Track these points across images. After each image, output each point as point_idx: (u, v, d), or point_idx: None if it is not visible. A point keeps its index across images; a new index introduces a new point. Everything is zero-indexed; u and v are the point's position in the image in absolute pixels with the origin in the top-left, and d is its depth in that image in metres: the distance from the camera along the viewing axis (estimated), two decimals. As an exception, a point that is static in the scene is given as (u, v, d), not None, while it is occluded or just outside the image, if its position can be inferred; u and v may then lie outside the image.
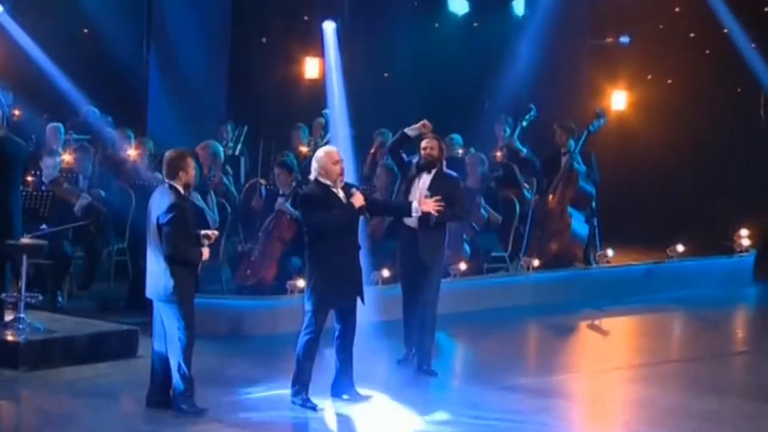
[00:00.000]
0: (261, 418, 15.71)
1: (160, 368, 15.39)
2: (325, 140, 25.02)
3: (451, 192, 17.35)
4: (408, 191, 17.65)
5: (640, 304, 22.17)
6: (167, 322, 15.26)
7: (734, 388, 18.40)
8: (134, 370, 17.51)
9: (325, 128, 25.78)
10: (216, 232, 16.49)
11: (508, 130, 23.66)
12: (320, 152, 16.06)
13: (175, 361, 15.29)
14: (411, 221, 17.24)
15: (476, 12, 28.00)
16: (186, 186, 15.23)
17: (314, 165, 15.90)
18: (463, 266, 20.90)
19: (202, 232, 15.87)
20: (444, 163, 17.92)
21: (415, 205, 16.72)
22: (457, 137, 23.74)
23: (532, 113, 23.60)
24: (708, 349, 20.51)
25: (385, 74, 28.92)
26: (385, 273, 19.66)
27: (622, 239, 24.26)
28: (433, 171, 17.42)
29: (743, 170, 25.54)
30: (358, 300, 16.02)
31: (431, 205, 16.47)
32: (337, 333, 15.67)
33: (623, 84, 25.68)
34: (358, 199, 15.56)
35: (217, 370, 17.39)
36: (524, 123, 23.60)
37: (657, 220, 25.35)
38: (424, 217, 17.16)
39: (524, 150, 23.76)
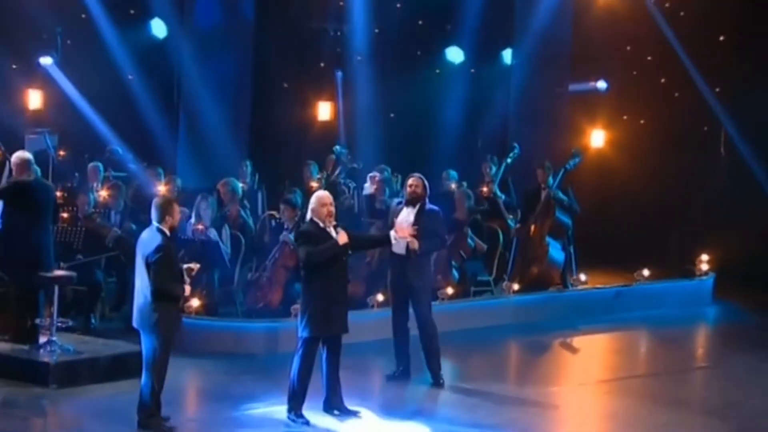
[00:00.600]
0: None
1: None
2: (336, 173, 25.25)
3: (433, 224, 17.65)
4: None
5: (610, 323, 22.24)
6: (145, 347, 15.60)
7: (690, 401, 18.68)
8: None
9: (337, 163, 25.66)
10: (197, 265, 16.35)
11: (494, 168, 23.70)
12: (314, 197, 16.25)
13: (147, 380, 15.65)
14: (399, 249, 17.35)
15: (471, 61, 28.30)
16: (171, 228, 15.67)
17: (309, 206, 16.17)
18: (450, 290, 21.00)
19: (185, 266, 16.05)
20: (427, 199, 17.97)
21: (392, 233, 16.80)
22: (453, 173, 24.00)
23: (515, 151, 23.56)
24: (671, 365, 20.68)
25: (391, 114, 28.74)
26: (380, 297, 19.58)
27: (596, 264, 24.32)
28: (418, 206, 17.59)
29: (706, 202, 25.45)
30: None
31: (406, 231, 16.75)
32: (325, 355, 15.80)
33: (601, 124, 25.78)
34: (342, 237, 15.81)
35: (223, 387, 17.72)
36: (509, 160, 23.49)
37: (628, 246, 25.17)
38: (420, 239, 17.37)
39: (503, 197, 23.63)
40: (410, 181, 18.00)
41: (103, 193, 22.81)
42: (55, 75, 27.07)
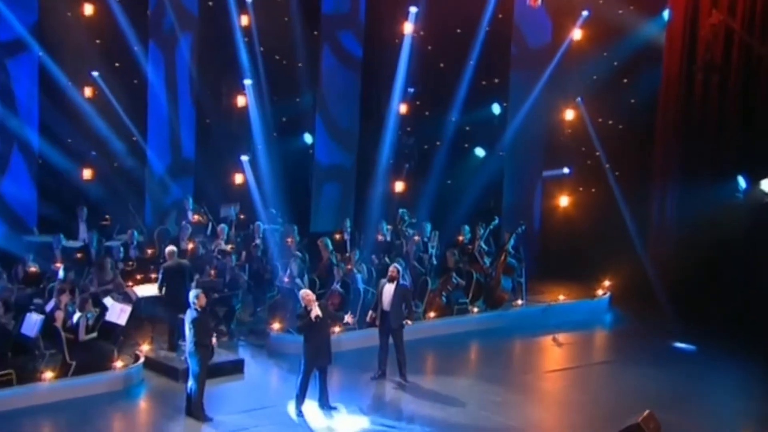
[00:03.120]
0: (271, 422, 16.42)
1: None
2: (400, 227, 23.63)
3: (404, 295, 18.01)
4: (381, 293, 18.06)
5: (540, 330, 21.50)
6: (191, 366, 16.09)
7: (594, 388, 18.38)
8: (234, 384, 18.09)
9: (402, 220, 23.80)
10: (215, 340, 16.71)
11: (482, 230, 22.64)
12: (302, 293, 16.73)
13: (193, 387, 16.10)
14: (386, 305, 17.83)
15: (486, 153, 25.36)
16: (201, 306, 16.03)
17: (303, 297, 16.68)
18: (432, 314, 21.00)
19: (213, 339, 16.58)
20: (400, 278, 18.19)
21: (370, 313, 17.88)
22: (467, 228, 23.08)
23: (495, 222, 23.08)
24: (583, 359, 20.37)
25: (448, 181, 25.52)
26: (371, 315, 18.56)
27: (560, 278, 23.42)
28: (395, 283, 17.90)
29: (623, 245, 23.06)
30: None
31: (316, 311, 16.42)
32: (317, 375, 16.33)
33: (566, 192, 24.84)
34: (315, 312, 16.07)
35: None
36: (491, 227, 22.85)
37: (579, 266, 23.55)
38: (395, 302, 17.74)
39: (486, 248, 22.62)
40: (391, 268, 18.27)
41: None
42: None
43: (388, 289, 18.04)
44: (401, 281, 18.25)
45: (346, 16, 25.48)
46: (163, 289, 19.10)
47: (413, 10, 24.15)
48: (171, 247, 19.91)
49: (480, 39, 24.15)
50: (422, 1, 24.27)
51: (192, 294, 16.46)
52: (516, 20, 24.28)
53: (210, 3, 24.26)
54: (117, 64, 23.60)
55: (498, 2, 22.50)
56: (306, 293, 16.73)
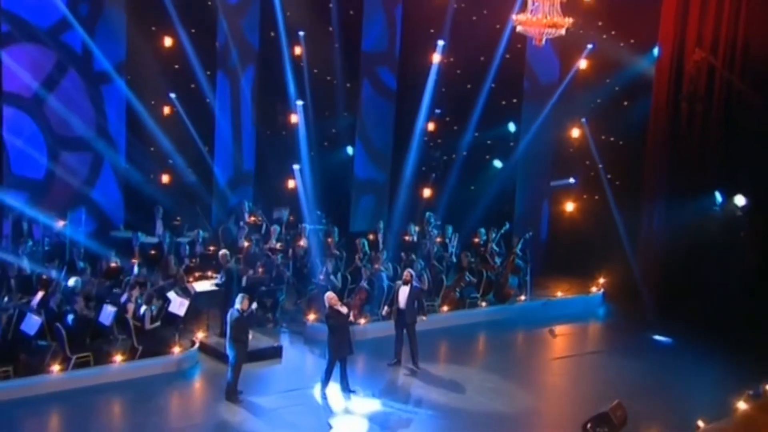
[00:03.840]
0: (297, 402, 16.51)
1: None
2: (425, 229, 23.48)
3: (417, 296, 18.26)
4: (397, 294, 18.32)
5: (539, 323, 21.35)
6: (229, 356, 16.33)
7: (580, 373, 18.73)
8: (273, 367, 18.28)
9: (427, 223, 23.60)
10: (251, 336, 16.93)
11: (494, 234, 22.67)
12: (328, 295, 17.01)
13: (230, 374, 16.35)
14: (401, 304, 18.07)
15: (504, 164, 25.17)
16: (243, 308, 16.21)
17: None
18: (446, 307, 21.04)
19: (250, 335, 16.81)
20: (414, 281, 18.32)
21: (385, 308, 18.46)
22: (482, 230, 22.98)
23: (506, 227, 22.99)
24: (574, 349, 20.36)
25: (471, 187, 25.45)
26: (386, 310, 19.08)
27: (545, 283, 23.11)
28: (409, 285, 18.13)
29: (616, 248, 22.91)
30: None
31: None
32: (339, 364, 16.63)
33: (571, 199, 24.50)
34: (344, 309, 16.58)
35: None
36: (502, 231, 22.82)
37: (580, 264, 23.37)
38: (409, 301, 17.94)
39: (497, 262, 22.26)
40: (405, 273, 18.46)
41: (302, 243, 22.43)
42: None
43: (404, 291, 18.20)
44: (415, 283, 18.36)
45: (384, 54, 25.47)
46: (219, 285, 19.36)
47: (441, 42, 24.16)
48: (224, 251, 20.20)
49: (497, 65, 23.97)
50: (450, 34, 24.24)
51: (237, 298, 16.67)
52: (528, 57, 24.03)
53: (271, 34, 24.30)
54: (192, 86, 23.73)
55: (513, 34, 21.21)
56: (330, 296, 16.88)
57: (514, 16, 16.09)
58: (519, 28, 16.08)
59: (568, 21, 15.64)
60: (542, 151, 24.64)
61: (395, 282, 19.22)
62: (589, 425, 15.13)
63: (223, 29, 24.05)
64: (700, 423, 15.29)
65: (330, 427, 15.14)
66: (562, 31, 15.82)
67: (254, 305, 17.23)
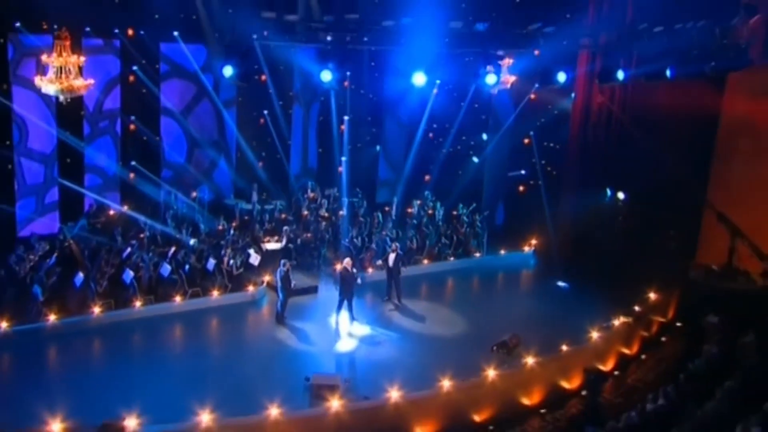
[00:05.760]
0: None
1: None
2: (423, 204, 23.12)
3: (401, 259, 18.87)
4: (387, 259, 18.88)
5: (489, 271, 21.02)
6: (279, 296, 17.06)
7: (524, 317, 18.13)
8: (310, 300, 18.76)
9: (424, 202, 23.01)
10: (294, 284, 17.13)
11: (465, 210, 22.54)
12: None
13: (279, 307, 17.08)
14: (390, 263, 18.63)
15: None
16: (286, 269, 16.78)
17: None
18: (426, 261, 21.07)
19: (293, 283, 17.16)
20: (398, 250, 18.59)
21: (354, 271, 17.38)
22: (461, 207, 22.78)
23: (473, 206, 22.57)
24: (503, 291, 20.21)
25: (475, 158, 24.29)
26: (380, 262, 19.29)
27: (497, 245, 22.46)
28: (395, 253, 18.70)
29: (543, 220, 22.49)
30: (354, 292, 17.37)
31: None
32: (347, 302, 17.22)
33: (523, 186, 23.83)
34: (353, 271, 17.04)
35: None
36: (471, 207, 22.42)
37: (509, 236, 22.85)
38: (395, 263, 18.54)
39: (466, 229, 21.90)
40: (393, 246, 18.95)
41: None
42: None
43: (392, 257, 18.85)
44: (399, 252, 18.87)
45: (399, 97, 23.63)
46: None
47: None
48: (286, 227, 20.56)
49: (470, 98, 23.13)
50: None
51: (282, 261, 17.75)
52: (493, 103, 23.57)
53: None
54: (281, 102, 23.38)
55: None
56: (347, 261, 17.33)
57: None
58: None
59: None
60: (504, 152, 24.32)
61: (394, 243, 19.38)
62: (494, 347, 16.19)
63: (299, 72, 23.36)
64: (564, 347, 15.83)
65: (307, 379, 14.19)
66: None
67: (292, 263, 17.84)
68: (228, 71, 17.30)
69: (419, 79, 18.32)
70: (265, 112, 23.19)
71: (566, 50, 19.59)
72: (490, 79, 17.84)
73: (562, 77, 19.22)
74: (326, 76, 17.38)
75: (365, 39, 17.59)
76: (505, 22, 18.34)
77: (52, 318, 15.95)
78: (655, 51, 18.57)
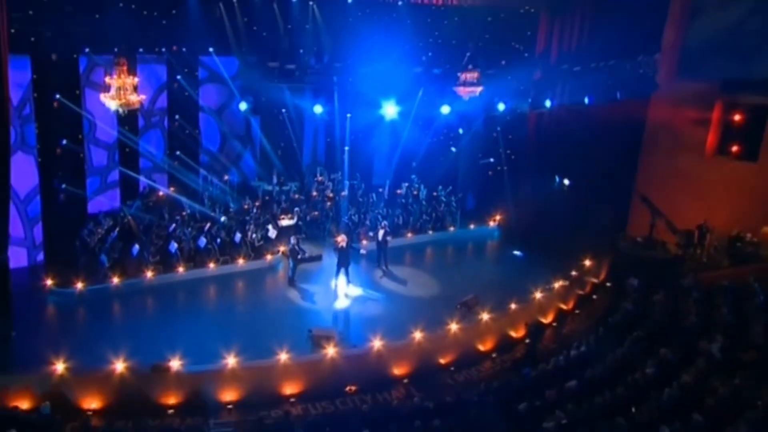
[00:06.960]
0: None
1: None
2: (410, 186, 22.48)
3: (388, 234, 18.45)
4: (377, 235, 18.39)
5: (460, 242, 20.93)
6: (290, 264, 16.92)
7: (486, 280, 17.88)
8: (315, 267, 18.65)
9: (411, 184, 22.63)
10: (306, 253, 16.95)
11: (443, 192, 22.11)
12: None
13: (291, 272, 17.11)
14: (380, 239, 18.45)
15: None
16: (295, 241, 16.65)
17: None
18: (410, 234, 20.98)
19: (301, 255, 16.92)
20: (386, 228, 18.37)
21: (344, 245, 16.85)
22: (440, 189, 22.40)
23: (450, 188, 22.20)
24: (468, 258, 20.03)
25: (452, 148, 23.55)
26: (371, 234, 19.06)
27: (469, 221, 22.21)
28: (383, 231, 18.13)
29: (506, 199, 22.23)
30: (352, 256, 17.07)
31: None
32: (344, 270, 16.99)
33: (491, 171, 23.57)
34: (344, 246, 16.68)
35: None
36: (448, 189, 22.15)
37: (478, 215, 22.66)
38: (382, 238, 18.17)
39: (442, 207, 21.60)
40: (382, 224, 18.86)
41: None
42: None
43: (381, 232, 18.77)
44: (387, 229, 18.80)
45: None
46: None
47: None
48: (297, 208, 20.51)
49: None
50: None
51: (291, 239, 17.93)
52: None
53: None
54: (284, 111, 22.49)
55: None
56: (341, 237, 17.12)
57: None
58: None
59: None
60: (475, 143, 23.83)
61: (384, 221, 19.36)
62: (458, 306, 16.03)
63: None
64: (512, 305, 15.83)
65: (309, 331, 14.35)
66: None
67: (301, 237, 18.01)
68: (243, 106, 19.14)
69: (390, 109, 19.54)
70: (283, 110, 22.83)
71: (507, 85, 20.50)
72: (444, 109, 19.33)
73: (501, 106, 20.33)
74: (318, 109, 18.87)
75: (349, 80, 19.02)
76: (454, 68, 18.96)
77: (115, 280, 16.66)
78: (576, 84, 19.72)
